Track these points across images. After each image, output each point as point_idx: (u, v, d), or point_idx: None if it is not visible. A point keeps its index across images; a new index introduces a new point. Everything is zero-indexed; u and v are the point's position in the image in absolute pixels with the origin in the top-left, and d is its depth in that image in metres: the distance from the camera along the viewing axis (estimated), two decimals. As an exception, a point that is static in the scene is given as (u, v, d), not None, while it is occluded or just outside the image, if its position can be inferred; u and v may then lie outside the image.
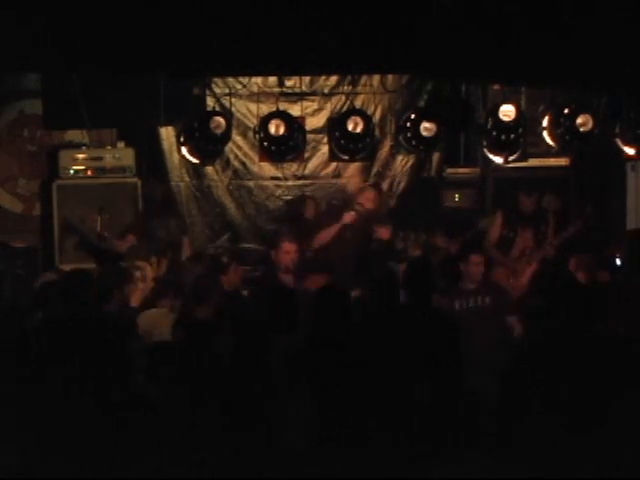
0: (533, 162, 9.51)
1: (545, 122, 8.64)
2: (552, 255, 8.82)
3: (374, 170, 10.45)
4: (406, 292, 5.83)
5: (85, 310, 5.86)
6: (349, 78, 10.16)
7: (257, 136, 8.85)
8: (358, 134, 8.76)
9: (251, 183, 10.42)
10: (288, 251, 8.29)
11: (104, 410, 5.22)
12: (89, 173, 9.74)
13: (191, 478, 4.95)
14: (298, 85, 9.87)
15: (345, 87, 10.20)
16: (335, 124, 9.07)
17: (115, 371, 5.44)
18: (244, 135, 10.12)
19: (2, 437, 5.13)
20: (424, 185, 10.39)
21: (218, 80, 9.87)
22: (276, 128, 8.62)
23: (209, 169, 10.28)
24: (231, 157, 10.25)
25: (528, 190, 9.10)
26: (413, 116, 9.05)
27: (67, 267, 8.62)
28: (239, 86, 9.84)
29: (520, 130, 8.62)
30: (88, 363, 5.44)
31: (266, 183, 10.43)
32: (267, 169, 10.37)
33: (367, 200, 9.30)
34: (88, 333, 5.64)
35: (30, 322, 6.25)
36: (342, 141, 8.92)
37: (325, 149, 9.85)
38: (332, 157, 9.51)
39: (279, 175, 10.42)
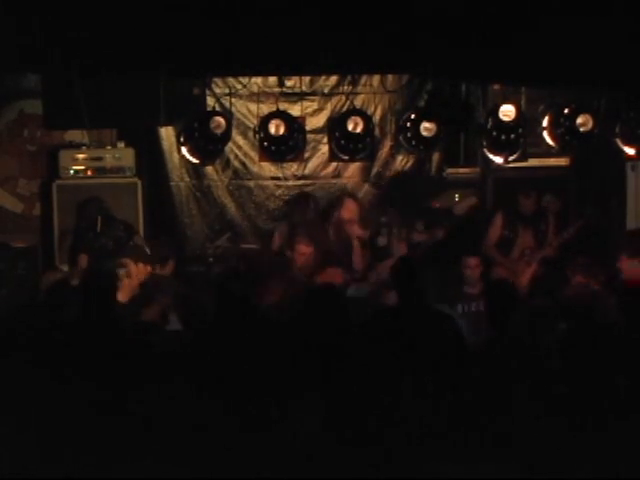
0: (533, 162, 9.50)
1: (545, 122, 8.63)
2: (552, 255, 8.82)
3: (374, 170, 10.45)
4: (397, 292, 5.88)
5: (106, 310, 5.81)
6: (349, 78, 10.15)
7: (257, 136, 8.84)
8: (358, 134, 8.76)
9: (251, 183, 10.42)
10: (304, 253, 8.42)
11: (116, 410, 5.21)
12: (89, 173, 9.74)
13: (192, 478, 4.95)
14: (298, 85, 9.86)
15: (345, 87, 10.19)
16: (335, 124, 9.05)
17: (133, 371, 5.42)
18: (244, 135, 10.13)
19: (8, 438, 5.13)
20: (399, 184, 10.37)
21: (218, 80, 9.87)
22: (276, 128, 8.62)
23: (209, 169, 10.29)
24: (231, 157, 10.26)
25: (526, 191, 9.11)
26: (413, 116, 9.03)
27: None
28: (239, 86, 9.83)
29: (520, 130, 8.61)
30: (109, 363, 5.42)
31: (266, 183, 10.44)
32: (267, 169, 10.37)
33: (349, 212, 9.19)
34: (110, 334, 5.62)
35: (42, 322, 6.24)
36: (342, 141, 8.91)
37: (325, 149, 9.84)
38: (332, 157, 9.50)
39: (279, 175, 10.43)
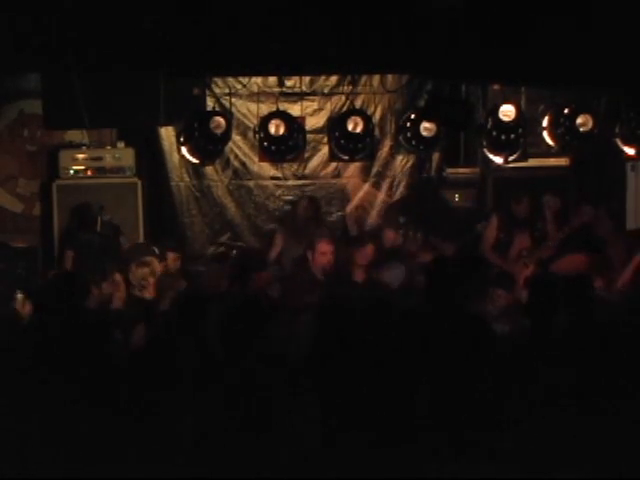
0: (533, 162, 9.50)
1: (545, 122, 8.64)
2: (550, 256, 8.82)
3: (374, 170, 10.45)
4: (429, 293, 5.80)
5: (69, 309, 5.81)
6: (349, 78, 10.15)
7: (257, 136, 8.85)
8: (358, 134, 8.76)
9: (251, 183, 10.42)
10: (325, 252, 8.19)
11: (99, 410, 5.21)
12: (89, 173, 9.75)
13: (192, 478, 4.95)
14: (298, 85, 9.87)
15: (345, 87, 10.19)
16: (335, 124, 9.06)
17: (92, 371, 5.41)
18: (244, 135, 10.13)
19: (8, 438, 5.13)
20: (425, 185, 10.40)
21: (218, 80, 9.87)
22: (276, 128, 8.63)
23: (209, 169, 10.28)
24: (231, 157, 10.26)
25: (517, 197, 9.11)
26: (413, 116, 9.05)
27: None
28: (239, 86, 9.84)
29: (520, 130, 8.62)
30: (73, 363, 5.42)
31: (266, 183, 10.43)
32: (267, 169, 10.37)
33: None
34: (71, 332, 5.61)
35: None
36: (342, 141, 8.92)
37: (325, 149, 9.85)
38: (332, 157, 9.50)
39: (279, 175, 10.43)
